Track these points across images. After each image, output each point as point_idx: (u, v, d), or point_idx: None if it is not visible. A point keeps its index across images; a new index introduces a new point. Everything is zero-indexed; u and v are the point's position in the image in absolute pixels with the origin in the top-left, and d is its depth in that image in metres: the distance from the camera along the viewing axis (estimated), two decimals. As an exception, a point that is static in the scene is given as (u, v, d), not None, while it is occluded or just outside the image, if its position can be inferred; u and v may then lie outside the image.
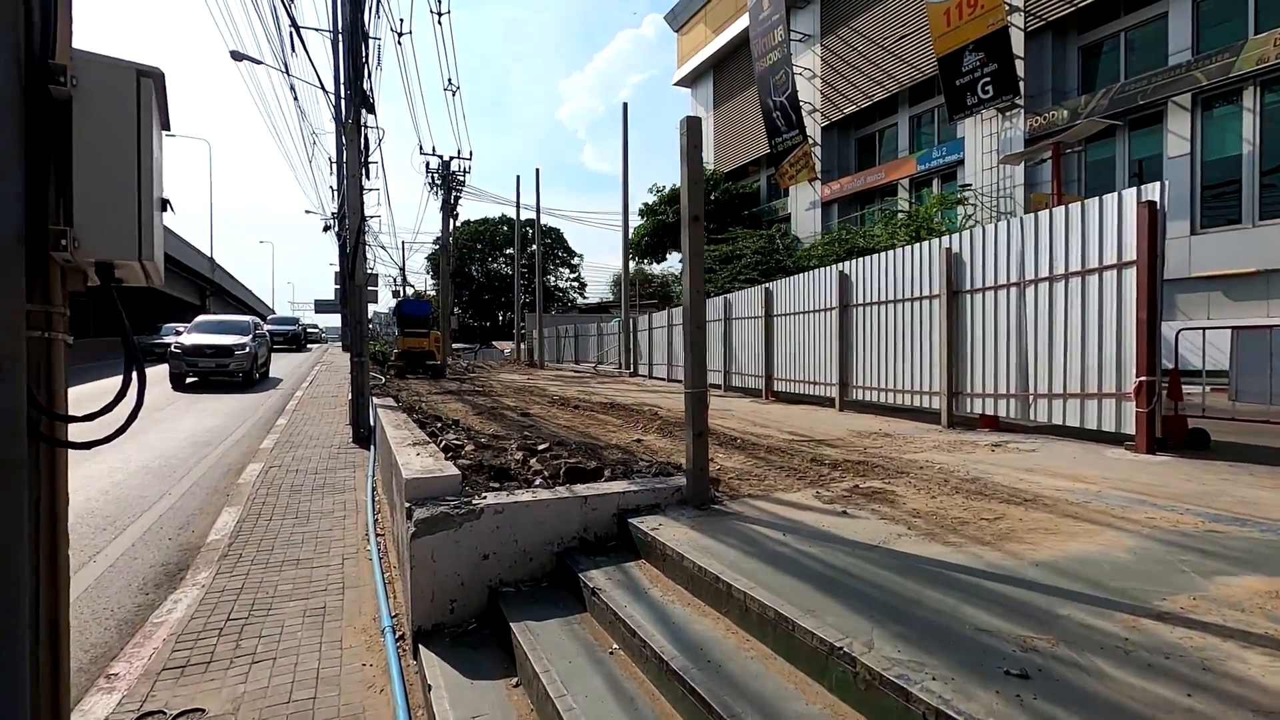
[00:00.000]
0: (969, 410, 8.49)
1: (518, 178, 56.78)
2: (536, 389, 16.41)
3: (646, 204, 34.75)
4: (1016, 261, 7.74)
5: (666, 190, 34.46)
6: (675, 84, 39.56)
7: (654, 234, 34.17)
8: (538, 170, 35.85)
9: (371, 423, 9.91)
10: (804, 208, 30.22)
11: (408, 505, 3.66)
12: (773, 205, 33.22)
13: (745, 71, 33.55)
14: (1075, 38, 20.55)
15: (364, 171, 10.02)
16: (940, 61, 22.03)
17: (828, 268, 11.75)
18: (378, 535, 5.59)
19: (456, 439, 6.32)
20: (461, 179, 28.56)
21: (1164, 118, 18.03)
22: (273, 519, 6.10)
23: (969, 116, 21.95)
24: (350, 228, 9.82)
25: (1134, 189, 6.39)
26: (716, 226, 32.45)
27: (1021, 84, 20.32)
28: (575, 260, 75.19)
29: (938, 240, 8.99)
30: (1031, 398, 7.55)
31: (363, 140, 10.05)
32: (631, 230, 29.50)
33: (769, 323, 13.97)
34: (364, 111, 10.10)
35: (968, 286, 8.45)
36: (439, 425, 7.33)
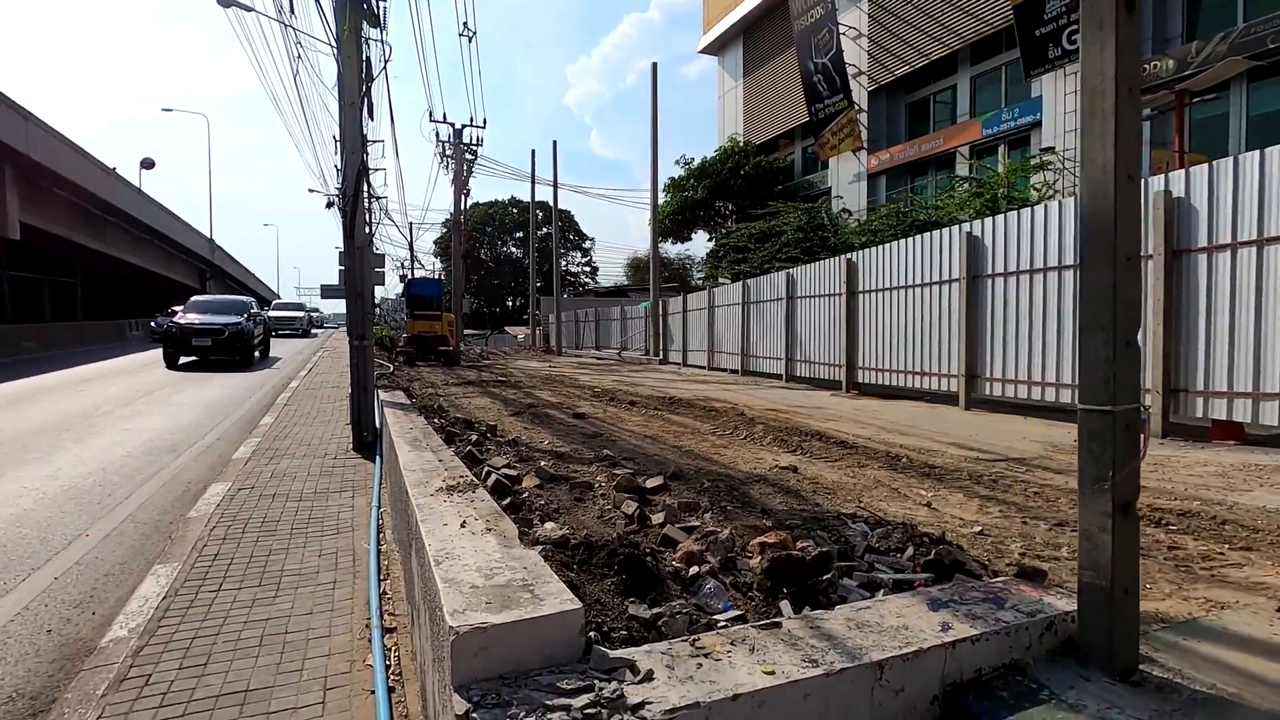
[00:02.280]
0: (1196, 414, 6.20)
1: (533, 152, 54.41)
2: (566, 379, 14.16)
3: (673, 178, 32.26)
4: None
5: (696, 163, 31.96)
6: (701, 51, 36.98)
7: (679, 211, 31.69)
8: (555, 143, 33.38)
9: (377, 424, 7.71)
10: (846, 180, 27.74)
11: (459, 693, 1.42)
12: (809, 179, 30.73)
13: (779, 34, 30.95)
14: (1181, -24, 17.95)
15: (366, 101, 7.77)
16: (1016, 9, 19.50)
17: (946, 230, 9.42)
18: (384, 634, 3.36)
19: (507, 465, 4.07)
20: (475, 149, 26.19)
21: (1294, 66, 15.49)
22: (222, 588, 3.88)
23: (1049, 72, 19.41)
24: (348, 170, 7.56)
25: None
26: (750, 203, 30.02)
27: (1116, 31, 17.74)
28: (586, 244, 72.82)
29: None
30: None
31: (364, 61, 7.78)
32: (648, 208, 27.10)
33: (852, 301, 11.63)
34: (364, 24, 7.80)
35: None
36: (474, 437, 5.08)
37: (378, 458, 6.63)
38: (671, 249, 41.99)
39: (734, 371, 17.16)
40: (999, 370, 8.44)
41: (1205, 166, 6.10)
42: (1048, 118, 20.05)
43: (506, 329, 54.65)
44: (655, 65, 24.40)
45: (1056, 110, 19.77)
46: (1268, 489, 4.13)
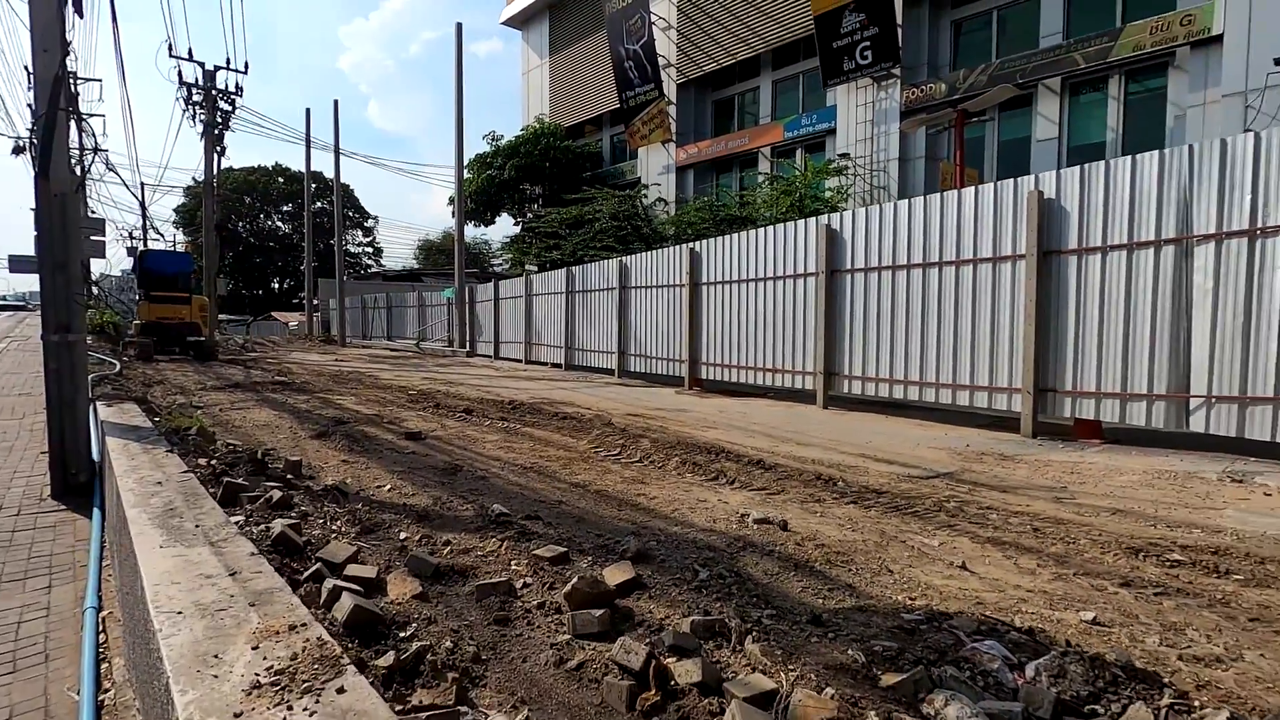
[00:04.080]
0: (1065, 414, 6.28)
1: (307, 111, 46.34)
2: (365, 377, 11.85)
3: (479, 155, 29.81)
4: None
5: (505, 141, 29.87)
6: (504, 22, 34.82)
7: (485, 191, 29.43)
8: (336, 102, 29.12)
9: (97, 455, 5.30)
10: (656, 171, 27.70)
11: None
12: (619, 168, 30.30)
13: (588, 16, 30.07)
14: (949, 10, 20.14)
15: (69, -21, 5.18)
16: (817, 20, 20.59)
17: (803, 222, 9.08)
18: None
19: (356, 553, 2.47)
20: (233, 97, 21.66)
21: (1034, 100, 18.06)
22: None
23: (845, 83, 20.79)
24: (41, 75, 4.95)
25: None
26: (560, 187, 28.80)
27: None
28: (369, 223, 66.19)
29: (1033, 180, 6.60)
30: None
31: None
32: (448, 190, 24.70)
33: (696, 293, 10.99)
34: None
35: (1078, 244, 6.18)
36: (274, 492, 3.25)
37: (96, 514, 4.34)
38: (466, 232, 39.16)
39: (556, 366, 15.91)
40: (858, 368, 8.24)
41: (1078, 169, 6.18)
42: (841, 126, 21.50)
43: (274, 315, 47.58)
44: (460, 26, 22.11)
45: (849, 120, 21.25)
46: (1236, 509, 3.92)
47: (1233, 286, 5.24)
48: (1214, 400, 5.36)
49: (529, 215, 30.49)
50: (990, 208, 6.81)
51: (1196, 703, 1.69)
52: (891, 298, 7.82)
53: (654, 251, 12.68)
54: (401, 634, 1.94)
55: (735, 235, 10.22)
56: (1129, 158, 5.89)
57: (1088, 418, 6.20)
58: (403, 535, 2.89)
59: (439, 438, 5.71)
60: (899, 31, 19.40)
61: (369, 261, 65.72)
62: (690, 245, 11.27)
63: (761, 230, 9.71)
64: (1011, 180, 6.72)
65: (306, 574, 2.22)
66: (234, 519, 2.66)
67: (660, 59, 26.10)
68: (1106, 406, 6.02)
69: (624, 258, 13.64)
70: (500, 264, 46.77)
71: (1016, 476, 4.81)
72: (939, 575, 2.69)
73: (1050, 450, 5.76)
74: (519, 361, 17.76)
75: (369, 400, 8.24)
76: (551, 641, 1.95)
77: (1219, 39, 14.79)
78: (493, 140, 29.76)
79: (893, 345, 7.83)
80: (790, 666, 1.77)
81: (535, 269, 24.05)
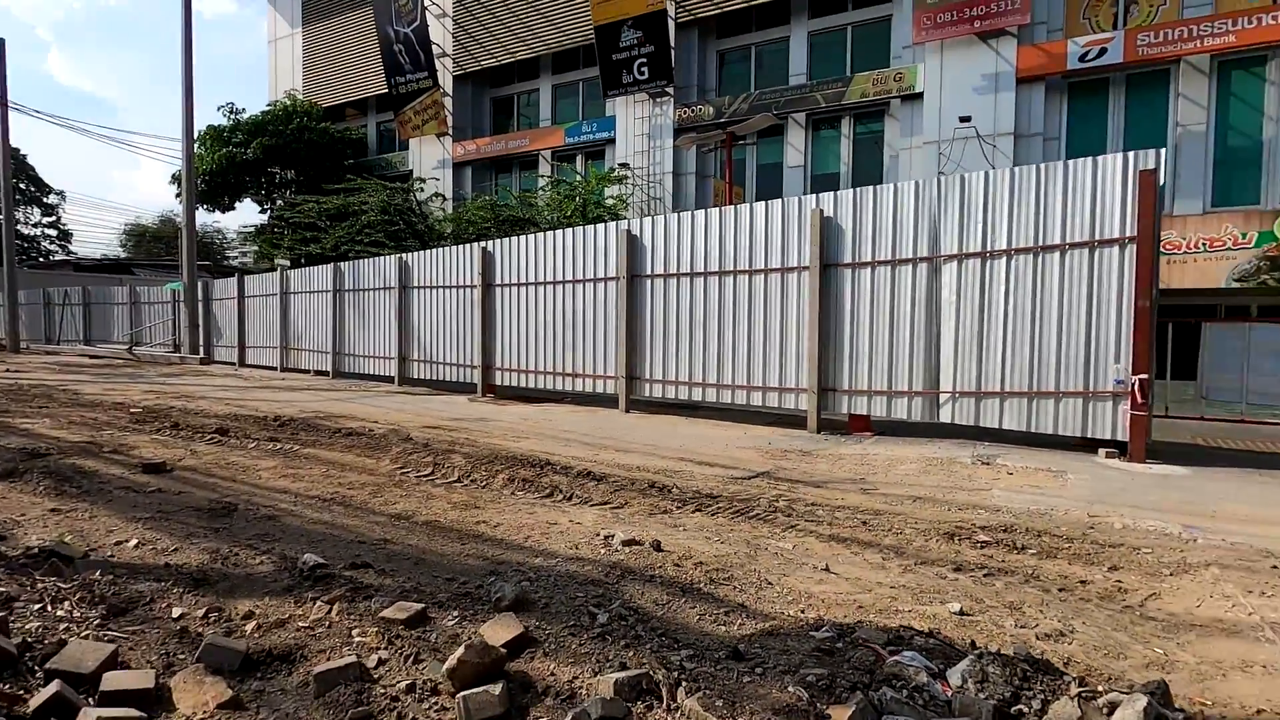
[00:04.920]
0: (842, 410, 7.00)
1: None
2: (60, 392, 9.41)
3: (214, 127, 25.41)
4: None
5: (249, 116, 25.87)
6: (244, -21, 30.21)
7: (224, 172, 25.23)
8: (2, 40, 22.77)
9: None
10: (431, 166, 26.12)
11: None
12: (387, 158, 28.04)
13: (351, -13, 27.42)
14: (715, 41, 21.86)
15: None
16: (598, 31, 21.07)
17: (604, 226, 9.08)
18: None
19: (126, 675, 1.74)
20: None
21: (785, 131, 20.34)
22: None
23: (624, 95, 21.52)
24: None
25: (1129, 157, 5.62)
26: (317, 174, 25.82)
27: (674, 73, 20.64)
28: (51, 198, 53.44)
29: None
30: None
31: None
32: (181, 167, 20.81)
33: (489, 295, 10.46)
34: None
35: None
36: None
37: None
38: (198, 218, 33.38)
39: (322, 374, 14.10)
40: (659, 372, 8.43)
41: (852, 192, 6.93)
42: (621, 136, 22.22)
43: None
44: (188, -27, 18.66)
45: (628, 131, 22.04)
46: (999, 488, 4.58)
47: (969, 299, 6.25)
48: (958, 395, 6.34)
49: (279, 203, 26.85)
50: (779, 222, 7.37)
51: (1100, 687, 1.83)
52: (690, 303, 8.11)
53: (442, 250, 11.82)
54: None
55: (533, 236, 9.89)
56: (892, 185, 6.75)
57: (861, 413, 6.99)
58: (177, 611, 2.14)
59: (192, 468, 4.56)
60: (672, 53, 20.59)
61: (52, 246, 53.19)
62: (483, 245, 10.69)
63: (561, 232, 9.51)
64: (797, 198, 7.35)
65: (36, 703, 1.48)
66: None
67: (435, 47, 24.67)
68: (876, 402, 6.84)
69: (405, 255, 12.52)
70: (240, 257, 40.78)
71: (821, 470, 5.19)
72: (812, 581, 2.69)
73: (837, 444, 6.37)
74: (272, 369, 15.44)
75: (74, 423, 6.42)
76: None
77: (921, 96, 17.98)
78: (231, 113, 25.67)
79: (692, 349, 8.12)
80: (738, 718, 1.55)
81: (288, 264, 21.15)
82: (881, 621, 2.31)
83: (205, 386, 11.31)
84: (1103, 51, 15.90)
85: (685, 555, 2.81)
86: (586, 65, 23.23)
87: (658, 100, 21.47)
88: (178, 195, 23.59)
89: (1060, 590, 2.74)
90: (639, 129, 21.83)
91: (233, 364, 17.10)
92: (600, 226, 9.15)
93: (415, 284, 11.88)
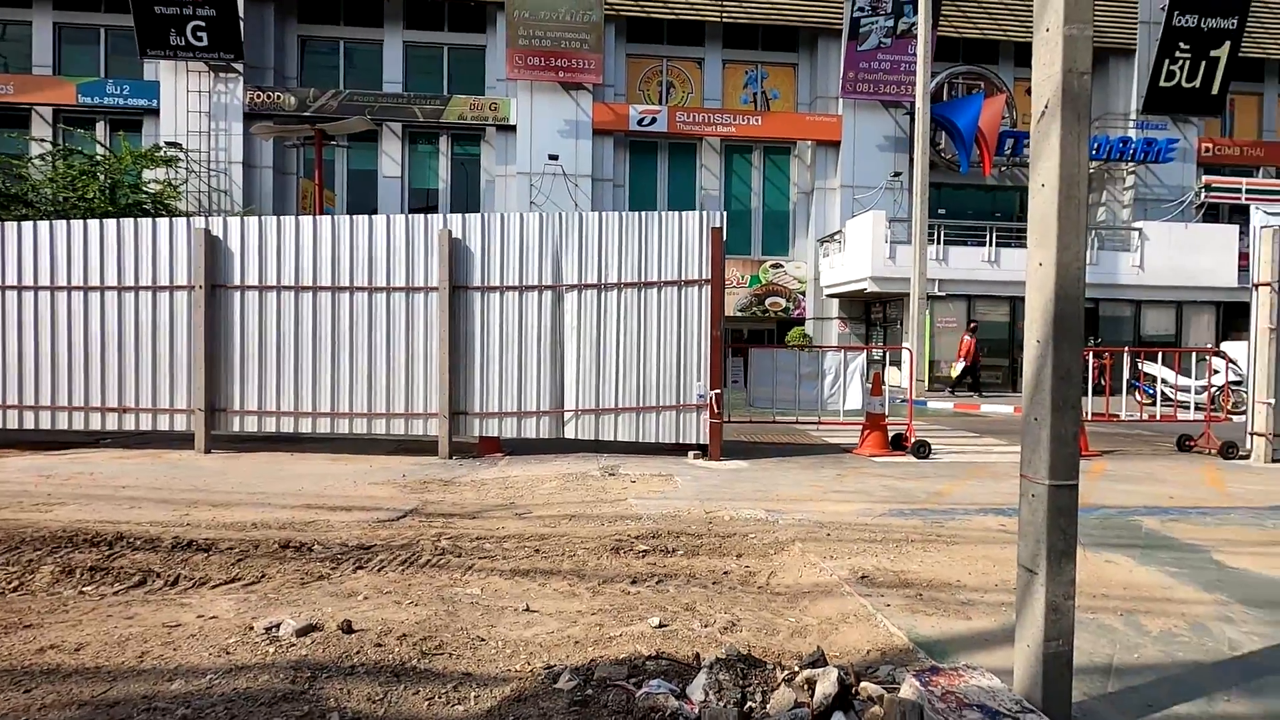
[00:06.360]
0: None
1: None
2: None
3: None
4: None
5: None
6: None
7: None
8: None
9: None
10: None
11: None
12: None
13: None
14: (296, 25, 19.53)
15: None
16: (133, -30, 16.86)
17: (170, 220, 7.28)
18: None
19: None
20: None
21: (380, 138, 19.38)
22: None
23: (172, 60, 17.61)
24: None
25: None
26: None
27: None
28: None
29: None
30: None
31: None
32: None
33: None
34: None
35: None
36: None
37: None
38: None
39: None
40: (252, 401, 7.06)
41: (481, 217, 6.94)
42: (167, 108, 18.13)
43: None
44: None
45: (179, 105, 18.11)
46: (633, 496, 5.11)
47: (588, 325, 6.90)
48: (580, 413, 6.92)
49: None
50: (403, 239, 6.96)
51: (795, 665, 2.18)
52: (296, 321, 7.04)
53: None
54: None
55: (56, 224, 7.28)
56: (519, 214, 7.03)
57: (493, 435, 7.06)
58: None
59: None
60: (240, 25, 17.65)
61: None
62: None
63: (103, 222, 7.23)
64: (424, 216, 7.06)
65: None
66: None
67: None
68: (508, 424, 6.99)
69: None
70: None
71: (470, 500, 5.06)
72: (521, 626, 2.58)
73: (474, 469, 6.30)
74: None
75: None
76: None
77: (514, 128, 19.17)
78: None
79: (298, 374, 7.05)
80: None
81: None
82: (601, 652, 2.36)
83: None
84: (654, 120, 19.42)
85: (384, 630, 2.39)
86: (112, 9, 18.26)
87: (221, 75, 18.14)
88: None
89: (714, 584, 3.22)
90: (197, 104, 18.08)
91: None
92: (166, 221, 7.25)
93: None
